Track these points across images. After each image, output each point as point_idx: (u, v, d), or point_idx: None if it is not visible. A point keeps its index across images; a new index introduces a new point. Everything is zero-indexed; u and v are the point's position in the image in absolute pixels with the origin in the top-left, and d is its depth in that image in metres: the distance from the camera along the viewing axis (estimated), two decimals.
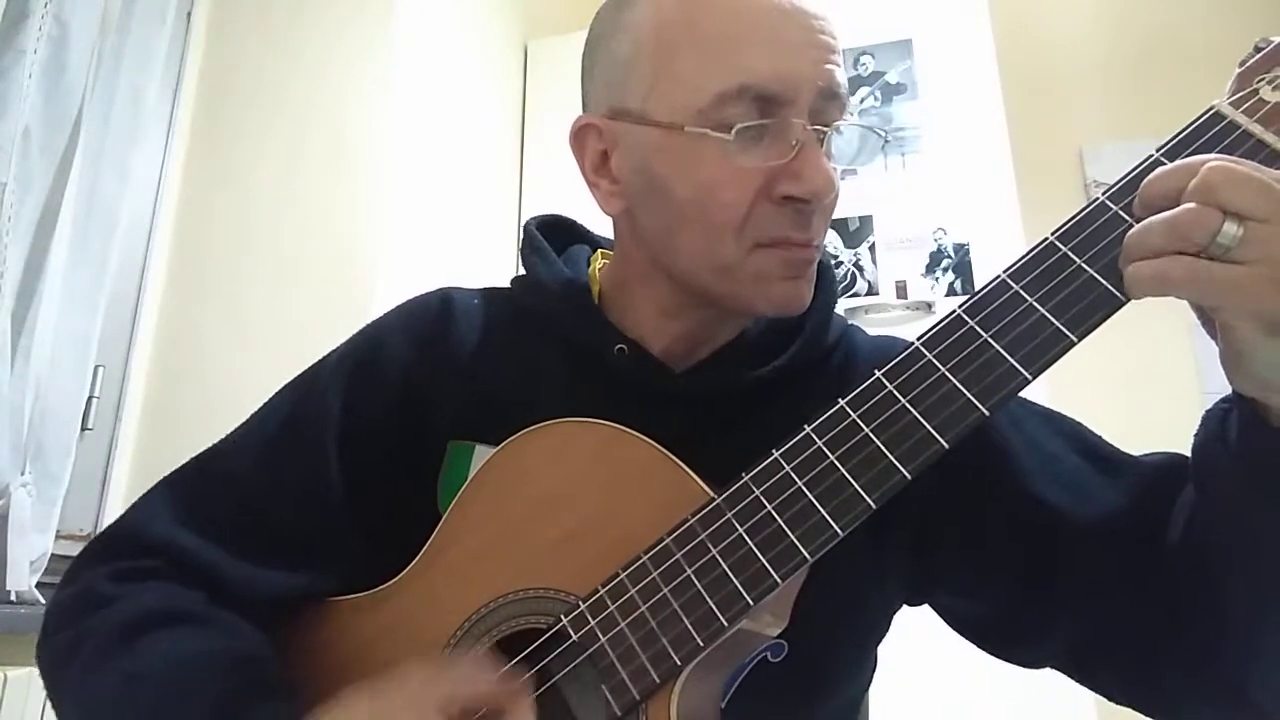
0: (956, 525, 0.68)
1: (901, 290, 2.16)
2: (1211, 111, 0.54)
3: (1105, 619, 0.63)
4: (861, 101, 2.34)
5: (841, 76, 0.65)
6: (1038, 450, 0.68)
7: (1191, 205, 0.47)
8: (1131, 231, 0.50)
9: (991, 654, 0.70)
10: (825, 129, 0.63)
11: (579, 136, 0.71)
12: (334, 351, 0.78)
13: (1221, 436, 0.55)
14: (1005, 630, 0.69)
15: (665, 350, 0.72)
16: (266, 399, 0.77)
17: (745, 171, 0.62)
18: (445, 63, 2.17)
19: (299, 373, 0.79)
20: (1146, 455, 0.67)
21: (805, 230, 0.64)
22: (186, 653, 0.60)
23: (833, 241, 2.23)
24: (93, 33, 1.57)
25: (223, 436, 0.75)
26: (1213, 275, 0.46)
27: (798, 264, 0.65)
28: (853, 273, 2.20)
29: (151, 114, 1.74)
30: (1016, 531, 0.66)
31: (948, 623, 0.73)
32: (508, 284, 0.80)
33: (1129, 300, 0.50)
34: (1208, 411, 0.57)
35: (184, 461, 0.74)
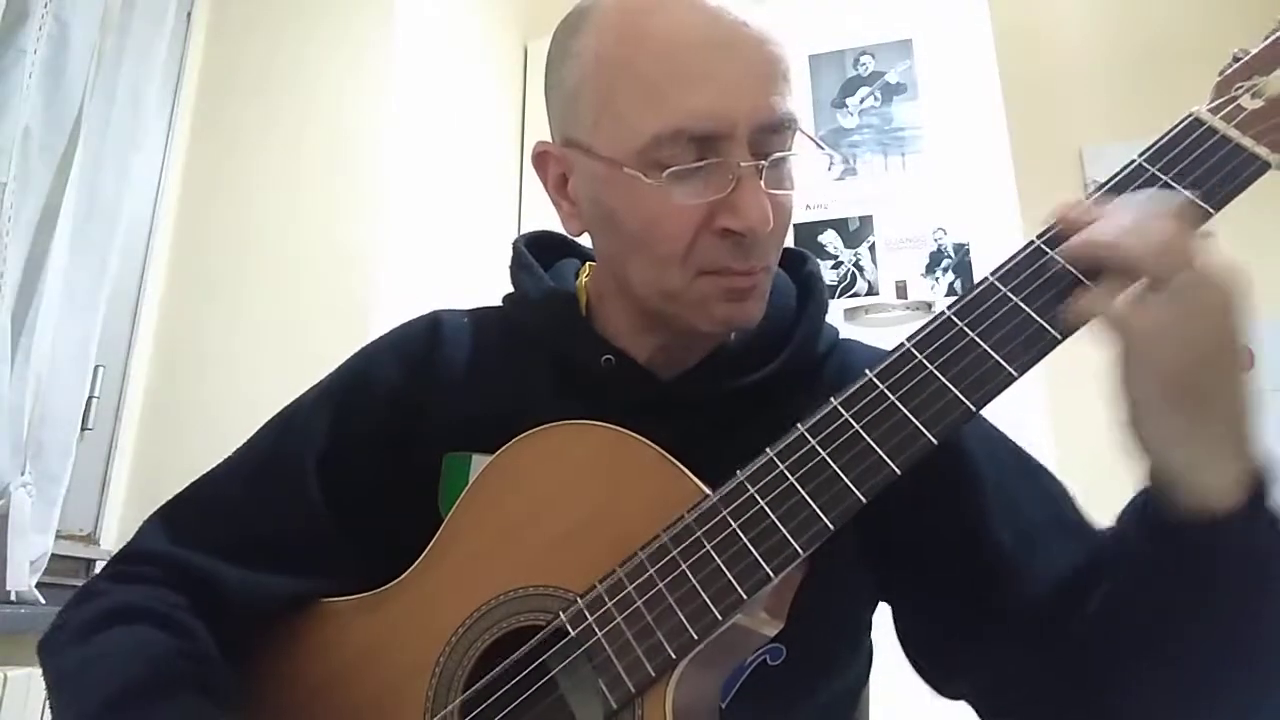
0: (914, 541, 0.68)
1: (901, 290, 2.16)
2: (1191, 118, 0.57)
3: (1018, 673, 0.63)
4: (861, 102, 2.34)
5: (785, 105, 0.64)
6: (1004, 493, 0.68)
7: (1174, 240, 0.50)
8: (1120, 232, 0.51)
9: (919, 674, 0.71)
10: (763, 162, 0.63)
11: (539, 161, 0.73)
12: (322, 380, 0.80)
13: (1135, 522, 0.56)
14: (931, 655, 0.70)
15: (649, 359, 0.73)
16: (262, 422, 0.80)
17: (684, 208, 0.63)
18: (445, 63, 2.17)
19: (291, 399, 0.80)
20: (1109, 527, 0.67)
21: (745, 260, 0.65)
22: (137, 642, 0.63)
23: (832, 242, 2.23)
24: (93, 33, 1.58)
25: (213, 466, 0.78)
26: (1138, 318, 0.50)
27: (738, 290, 0.66)
28: (853, 273, 2.20)
29: (151, 114, 1.75)
30: (962, 564, 0.66)
31: (896, 632, 0.73)
32: (498, 302, 0.82)
33: None
34: (1129, 502, 0.58)
35: (181, 489, 0.77)
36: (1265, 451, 0.52)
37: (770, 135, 0.64)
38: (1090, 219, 0.53)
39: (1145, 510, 0.55)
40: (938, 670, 0.70)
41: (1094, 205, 0.55)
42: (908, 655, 0.72)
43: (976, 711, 0.68)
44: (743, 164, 0.62)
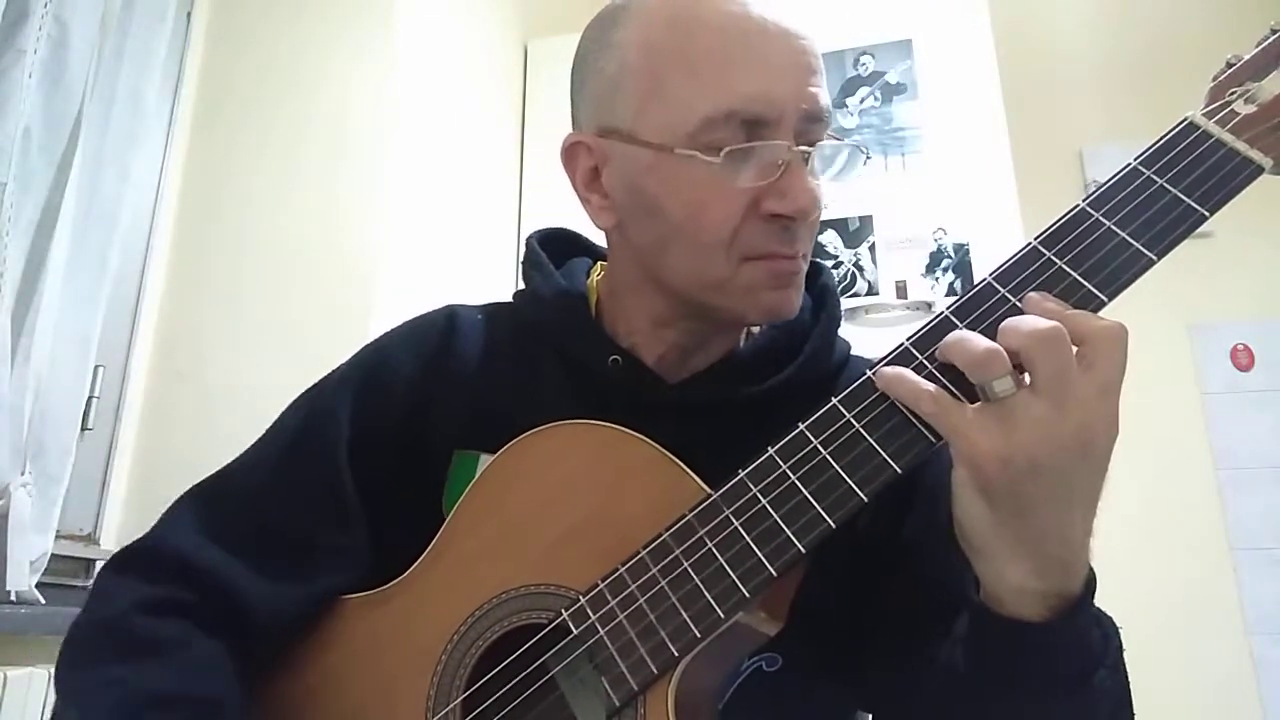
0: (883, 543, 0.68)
1: (901, 290, 2.16)
2: (1186, 122, 0.58)
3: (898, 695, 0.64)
4: (861, 102, 2.34)
5: (825, 98, 0.66)
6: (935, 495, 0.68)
7: (995, 348, 0.50)
8: (951, 335, 0.53)
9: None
10: (809, 149, 0.65)
11: (570, 153, 0.73)
12: (339, 367, 0.80)
13: (966, 601, 0.57)
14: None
15: (660, 359, 0.73)
16: (276, 416, 0.79)
17: (733, 191, 0.64)
18: (445, 63, 2.17)
19: (305, 388, 0.80)
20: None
21: (791, 245, 0.66)
22: None
23: (833, 242, 2.23)
24: (93, 33, 1.57)
25: (237, 455, 0.77)
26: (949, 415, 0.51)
27: (784, 275, 0.67)
28: (853, 273, 2.20)
29: (151, 114, 1.74)
30: (888, 576, 0.67)
31: None
32: (510, 298, 0.82)
33: (1107, 303, 0.54)
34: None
35: (203, 478, 0.76)
36: (1081, 581, 0.53)
37: (813, 124, 0.65)
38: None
39: (973, 592, 0.56)
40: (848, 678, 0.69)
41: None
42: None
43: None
44: (792, 148, 0.64)
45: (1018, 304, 0.54)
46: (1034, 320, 0.50)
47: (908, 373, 0.54)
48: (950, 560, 0.56)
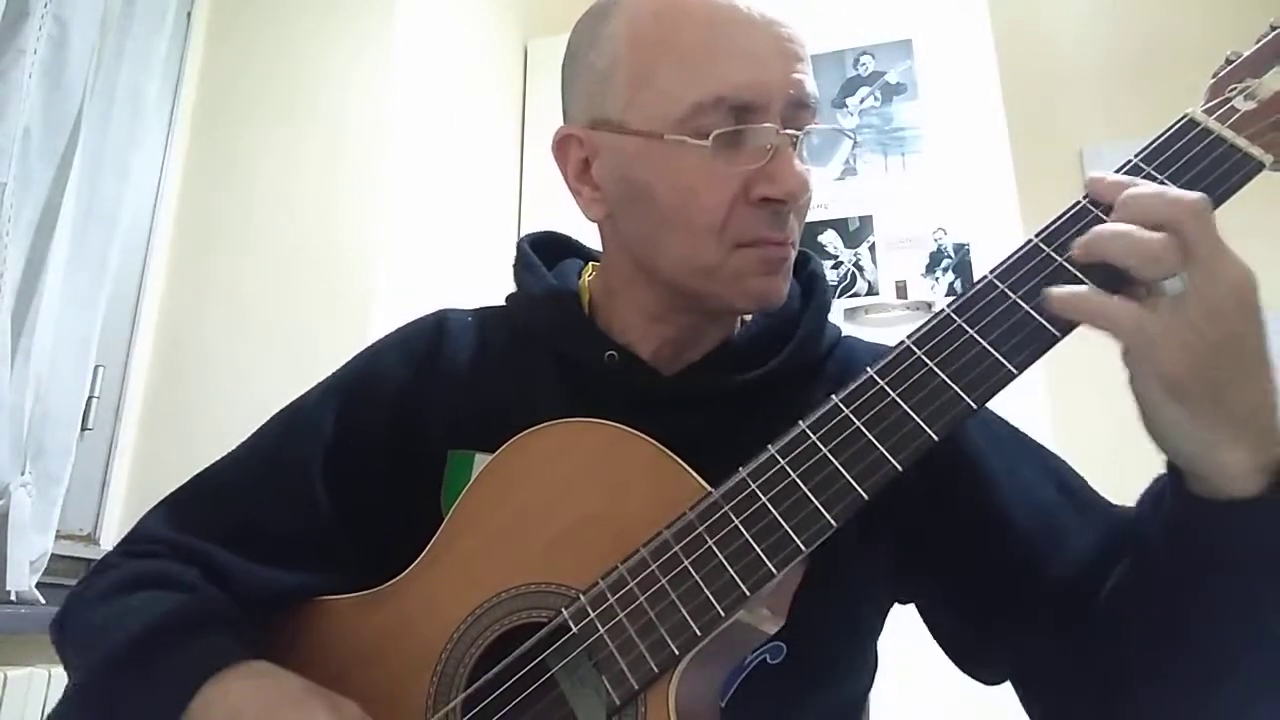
0: (933, 539, 0.69)
1: (901, 290, 2.16)
2: (1186, 119, 0.57)
3: (1049, 657, 0.63)
4: (862, 102, 2.34)
5: (811, 85, 0.67)
6: (1014, 478, 0.69)
7: (1167, 239, 0.48)
8: (1104, 228, 0.51)
9: (955, 665, 0.71)
10: (797, 133, 0.66)
11: (561, 146, 0.74)
12: (331, 375, 0.81)
13: (1151, 507, 0.56)
14: (965, 647, 0.71)
15: (654, 353, 0.73)
16: (264, 420, 0.80)
17: (723, 176, 0.65)
18: (445, 63, 2.18)
19: (301, 392, 0.81)
20: (1121, 507, 0.67)
21: (781, 230, 0.67)
22: (164, 597, 0.64)
23: (833, 242, 2.23)
24: (93, 33, 1.58)
25: (221, 456, 0.78)
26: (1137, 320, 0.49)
27: (774, 261, 0.68)
28: (853, 273, 2.20)
29: (151, 114, 1.75)
30: (986, 555, 0.67)
31: (927, 627, 0.73)
32: (501, 301, 0.82)
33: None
34: (1149, 485, 0.58)
35: (184, 481, 0.77)
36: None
37: (799, 110, 0.66)
38: (1115, 194, 0.52)
39: (1161, 496, 0.55)
40: (973, 661, 0.70)
41: (1121, 180, 0.53)
42: (941, 647, 0.72)
43: (1018, 694, 0.67)
44: (780, 132, 0.65)
45: (1018, 301, 0.54)
46: (1171, 194, 0.49)
47: (1082, 289, 0.51)
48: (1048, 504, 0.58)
